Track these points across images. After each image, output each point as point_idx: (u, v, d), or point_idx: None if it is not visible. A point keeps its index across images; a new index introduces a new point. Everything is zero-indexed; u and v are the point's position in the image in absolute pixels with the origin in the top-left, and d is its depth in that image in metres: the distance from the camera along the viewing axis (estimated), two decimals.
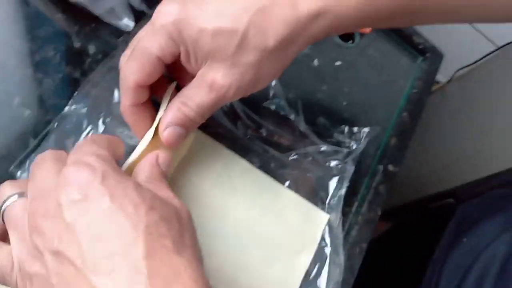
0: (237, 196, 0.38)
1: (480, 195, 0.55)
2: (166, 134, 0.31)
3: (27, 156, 0.34)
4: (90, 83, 0.38)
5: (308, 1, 0.28)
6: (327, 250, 0.38)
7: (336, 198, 0.41)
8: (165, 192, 0.27)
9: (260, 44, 0.28)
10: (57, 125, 0.35)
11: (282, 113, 0.43)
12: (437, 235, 0.55)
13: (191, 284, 0.22)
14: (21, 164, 0.33)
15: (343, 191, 0.41)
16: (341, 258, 0.37)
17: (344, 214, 0.41)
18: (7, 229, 0.25)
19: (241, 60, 0.29)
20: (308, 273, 0.37)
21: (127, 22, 0.40)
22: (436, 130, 0.84)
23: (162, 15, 0.28)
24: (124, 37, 0.40)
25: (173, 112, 0.30)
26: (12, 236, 0.25)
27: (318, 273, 0.37)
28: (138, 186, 0.25)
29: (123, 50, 0.39)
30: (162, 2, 0.29)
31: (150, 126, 0.32)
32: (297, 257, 0.37)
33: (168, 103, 0.32)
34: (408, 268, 0.62)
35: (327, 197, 0.41)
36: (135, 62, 0.29)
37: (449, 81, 1.14)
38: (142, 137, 0.31)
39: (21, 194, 0.26)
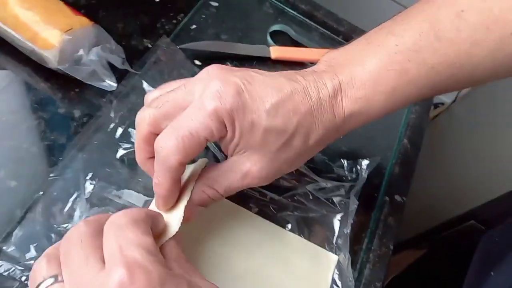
0: (239, 246, 0.36)
1: (501, 217, 0.51)
2: (187, 213, 0.31)
3: (13, 229, 0.33)
4: (76, 147, 0.37)
5: (345, 106, 0.31)
6: None
7: (343, 237, 0.38)
8: (201, 280, 0.27)
9: (301, 144, 0.31)
10: (43, 193, 0.34)
11: None
12: (463, 264, 0.52)
13: None
14: (7, 238, 0.32)
15: (348, 229, 0.38)
16: None
17: (354, 252, 0.39)
18: None
19: (281, 157, 0.31)
20: None
21: (110, 82, 0.40)
22: (446, 152, 0.82)
23: (217, 99, 0.28)
24: (107, 97, 0.40)
25: (198, 195, 0.32)
26: None
27: None
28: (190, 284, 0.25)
29: (107, 110, 0.39)
30: (213, 81, 0.29)
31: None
32: None
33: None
34: None
35: (333, 236, 0.39)
36: (181, 144, 0.28)
37: (453, 102, 1.12)
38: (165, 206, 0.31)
39: (57, 278, 0.24)
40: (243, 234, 0.36)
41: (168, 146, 0.28)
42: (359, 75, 0.31)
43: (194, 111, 0.29)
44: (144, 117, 0.31)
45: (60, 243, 0.26)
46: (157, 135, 0.30)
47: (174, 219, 0.30)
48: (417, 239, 0.78)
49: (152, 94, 0.34)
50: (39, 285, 0.24)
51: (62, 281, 0.24)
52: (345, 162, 0.43)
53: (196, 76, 0.31)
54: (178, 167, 0.29)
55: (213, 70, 0.30)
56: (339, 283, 0.36)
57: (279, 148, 0.31)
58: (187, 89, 0.30)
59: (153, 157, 0.31)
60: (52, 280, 0.24)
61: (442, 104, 1.20)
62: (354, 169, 0.43)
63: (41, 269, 0.25)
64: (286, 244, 0.37)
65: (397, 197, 0.42)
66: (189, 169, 0.34)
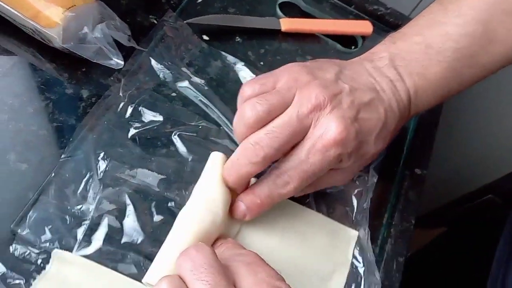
0: (256, 224, 0.35)
1: None
2: (250, 216, 0.34)
3: (26, 212, 0.32)
4: (85, 127, 0.36)
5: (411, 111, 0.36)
6: (361, 269, 0.35)
7: (362, 212, 0.37)
8: None
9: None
10: (55, 175, 0.34)
11: None
12: (484, 238, 0.50)
13: None
14: (21, 221, 0.32)
15: (368, 204, 0.37)
16: (377, 276, 0.33)
17: (375, 227, 0.37)
18: None
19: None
20: None
21: (117, 60, 0.39)
22: (464, 126, 0.80)
23: (340, 146, 0.31)
24: (115, 75, 0.39)
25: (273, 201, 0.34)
26: None
27: None
28: None
29: (115, 90, 0.38)
30: (332, 122, 0.31)
31: None
32: (329, 281, 0.34)
33: None
34: (465, 275, 0.57)
35: (353, 212, 0.38)
36: (304, 182, 0.32)
37: None
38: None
39: None
40: None
41: (293, 185, 0.32)
42: (422, 87, 0.35)
43: (318, 154, 0.31)
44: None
45: (179, 265, 0.26)
46: None
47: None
48: (434, 215, 0.77)
49: (249, 88, 0.33)
50: None
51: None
52: None
53: (299, 90, 0.32)
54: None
55: (317, 90, 0.31)
56: (360, 258, 0.35)
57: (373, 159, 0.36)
58: (299, 120, 0.31)
59: None
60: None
61: None
62: None
63: None
64: (305, 221, 0.36)
65: (417, 170, 0.41)
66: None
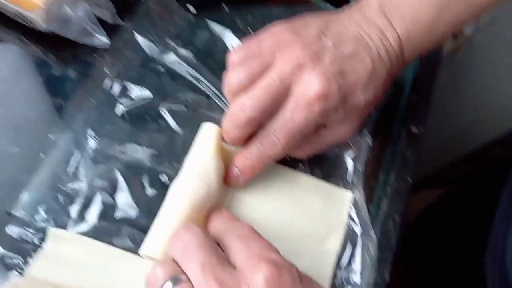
0: (248, 191, 0.35)
1: None
2: (243, 180, 0.34)
3: (20, 193, 0.32)
4: (73, 107, 0.36)
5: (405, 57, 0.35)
6: (357, 229, 0.34)
7: (357, 173, 0.37)
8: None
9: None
10: (46, 156, 0.34)
11: None
12: (493, 195, 0.50)
13: None
14: (15, 202, 0.32)
15: (363, 165, 0.37)
16: (373, 235, 0.33)
17: (371, 188, 0.37)
18: None
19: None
20: (340, 258, 0.33)
21: (102, 38, 0.38)
22: (468, 84, 0.78)
23: (323, 100, 0.30)
24: (100, 53, 0.38)
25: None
26: None
27: (352, 256, 0.33)
28: (320, 286, 0.26)
29: (101, 67, 0.37)
30: (315, 78, 0.30)
31: None
32: (324, 244, 0.33)
33: None
34: (467, 234, 0.57)
35: (347, 174, 0.37)
36: (291, 141, 0.32)
37: (474, 31, 1.06)
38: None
39: (178, 279, 0.25)
40: (252, 179, 0.35)
41: (280, 144, 0.32)
42: (414, 31, 0.34)
43: (302, 111, 0.30)
44: (240, 110, 0.31)
45: (170, 249, 0.27)
46: None
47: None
48: (439, 174, 0.76)
49: (235, 55, 0.33)
50: None
51: (187, 281, 0.24)
52: None
53: (280, 51, 0.31)
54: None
55: (297, 50, 0.31)
56: (356, 219, 0.35)
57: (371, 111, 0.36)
58: (281, 80, 0.31)
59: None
60: (171, 283, 0.24)
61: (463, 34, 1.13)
62: None
63: (157, 274, 0.25)
64: (298, 185, 0.35)
65: (414, 129, 0.40)
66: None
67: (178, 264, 0.25)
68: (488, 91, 0.72)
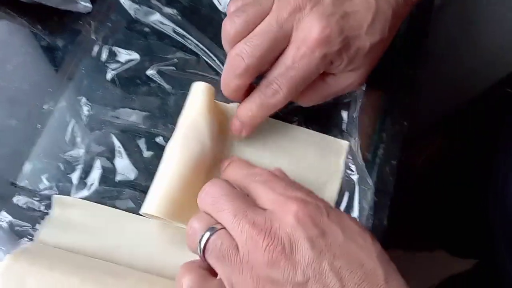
0: (242, 147, 0.35)
1: None
2: (246, 132, 0.34)
3: (22, 164, 0.33)
4: (64, 76, 0.36)
5: None
6: (354, 177, 0.35)
7: (353, 122, 0.37)
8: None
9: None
10: (42, 126, 0.34)
11: None
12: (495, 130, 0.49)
13: None
14: (18, 173, 0.33)
15: (357, 112, 0.36)
16: (370, 181, 0.33)
17: (367, 135, 0.37)
18: (212, 263, 0.26)
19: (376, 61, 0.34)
20: (338, 206, 0.34)
21: (84, 4, 0.38)
22: (475, 21, 0.75)
23: (325, 45, 0.29)
24: (85, 19, 0.38)
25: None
26: (224, 270, 0.25)
27: (350, 203, 0.34)
28: (349, 216, 0.26)
29: (88, 34, 0.37)
30: (315, 21, 0.29)
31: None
32: (322, 193, 0.34)
33: None
34: (472, 174, 0.57)
35: (342, 123, 0.37)
36: (295, 91, 0.31)
37: None
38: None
39: (211, 229, 0.26)
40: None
41: (282, 93, 0.31)
42: None
43: (303, 57, 0.30)
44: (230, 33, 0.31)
45: (201, 204, 0.27)
46: None
47: None
48: (446, 120, 0.75)
49: (233, 5, 0.32)
50: (200, 240, 0.25)
51: (223, 228, 0.25)
52: None
53: None
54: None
55: None
56: (352, 167, 0.35)
57: (379, 56, 0.33)
58: (279, 25, 0.30)
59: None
60: (208, 233, 0.25)
61: None
62: None
63: (194, 227, 0.26)
64: (293, 138, 0.36)
65: (409, 72, 0.39)
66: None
67: (211, 216, 0.26)
68: (495, 30, 0.69)
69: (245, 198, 0.26)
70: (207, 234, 0.25)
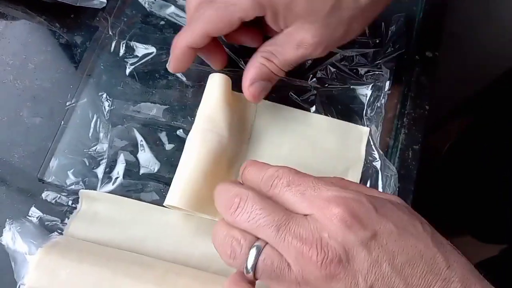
0: (262, 138, 0.35)
1: None
2: (252, 89, 0.32)
3: (48, 161, 0.34)
4: (84, 73, 0.37)
5: None
6: (377, 164, 0.34)
7: (374, 108, 0.36)
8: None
9: (353, 4, 0.29)
10: (64, 123, 0.35)
11: None
12: None
13: (478, 275, 0.23)
14: (46, 170, 0.34)
15: (382, 100, 0.36)
16: (392, 168, 0.33)
17: (389, 120, 0.36)
18: (266, 282, 0.24)
19: (333, 20, 0.30)
20: None
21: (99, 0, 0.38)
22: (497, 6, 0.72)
23: None
24: (100, 15, 0.38)
25: (258, 68, 0.32)
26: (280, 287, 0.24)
27: None
28: (391, 199, 0.25)
29: (104, 29, 0.37)
30: None
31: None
32: None
33: None
34: (497, 159, 0.55)
35: (363, 110, 0.37)
36: (215, 16, 0.30)
37: None
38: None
39: (257, 248, 0.24)
40: (265, 125, 0.35)
41: (203, 14, 0.30)
42: None
43: None
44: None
45: (236, 222, 0.25)
46: None
47: None
48: (469, 102, 0.74)
49: None
50: (246, 260, 0.24)
51: (266, 244, 0.24)
52: (366, 28, 0.39)
53: None
54: (204, 39, 0.31)
55: None
56: (374, 153, 0.35)
57: (329, 11, 0.29)
58: None
59: None
60: (255, 251, 0.24)
61: None
62: (377, 33, 0.39)
63: (234, 248, 0.24)
64: (312, 126, 0.35)
65: (428, 53, 0.38)
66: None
67: (249, 232, 0.24)
68: None
69: (280, 208, 0.24)
70: (253, 253, 0.24)
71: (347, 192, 0.24)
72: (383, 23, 0.39)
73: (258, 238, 0.24)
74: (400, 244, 0.23)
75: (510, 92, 0.63)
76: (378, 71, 0.37)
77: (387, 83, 0.37)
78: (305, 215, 0.24)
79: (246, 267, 0.24)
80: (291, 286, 0.23)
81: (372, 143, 0.35)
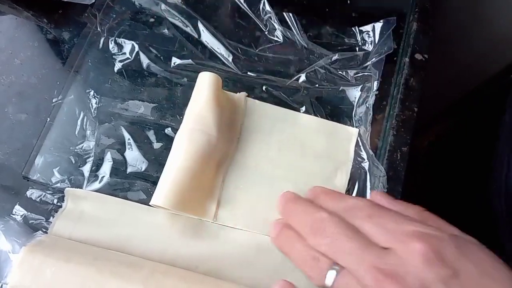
0: (250, 138, 0.35)
1: None
2: None
3: (33, 158, 0.34)
4: (71, 69, 0.36)
5: None
6: (365, 164, 0.35)
7: (363, 109, 0.36)
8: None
9: None
10: (52, 120, 0.35)
11: (277, 38, 0.38)
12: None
13: None
14: (31, 167, 0.33)
15: (371, 100, 0.36)
16: (381, 169, 0.33)
17: (378, 121, 0.36)
18: None
19: None
20: (349, 194, 0.34)
21: None
22: (486, 10, 0.73)
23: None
24: (89, 11, 0.38)
25: None
26: None
27: (361, 191, 0.34)
28: (474, 240, 0.25)
29: (92, 26, 0.37)
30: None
31: None
32: (332, 181, 0.34)
33: None
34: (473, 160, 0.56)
35: (352, 111, 0.37)
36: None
37: None
38: None
39: (336, 271, 0.24)
40: (254, 125, 0.35)
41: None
42: None
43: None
44: None
45: (316, 243, 0.25)
46: None
47: None
48: (452, 105, 0.74)
49: None
50: (325, 277, 0.24)
51: (343, 268, 0.24)
52: (356, 30, 0.39)
53: None
54: None
55: None
56: (363, 154, 0.35)
57: None
58: None
59: None
60: (334, 272, 0.24)
61: None
62: (367, 36, 0.39)
63: (312, 266, 0.25)
64: (302, 126, 0.35)
65: (418, 56, 0.38)
66: None
67: (324, 255, 0.25)
68: (504, 14, 0.68)
69: (360, 236, 0.24)
70: (332, 275, 0.24)
71: (429, 228, 0.24)
72: (373, 25, 0.39)
73: (335, 262, 0.24)
74: (480, 286, 0.22)
75: (495, 95, 0.64)
76: (367, 72, 0.37)
77: (376, 84, 0.37)
78: (385, 248, 0.24)
79: (325, 284, 0.24)
80: None
81: (360, 144, 0.35)
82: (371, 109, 0.36)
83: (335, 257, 0.24)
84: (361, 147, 0.35)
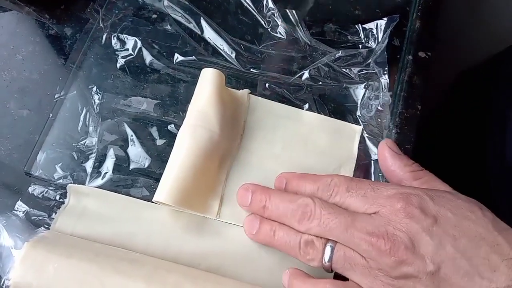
0: (256, 134, 0.35)
1: None
2: None
3: (36, 154, 0.33)
4: (74, 65, 0.36)
5: None
6: (372, 162, 0.34)
7: (366, 107, 0.36)
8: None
9: None
10: (53, 116, 0.34)
11: (280, 34, 0.38)
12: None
13: None
14: (33, 163, 0.33)
15: (377, 101, 0.36)
16: None
17: (380, 119, 0.36)
18: (344, 274, 0.27)
19: None
20: None
21: None
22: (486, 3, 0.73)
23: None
24: (91, 7, 0.38)
25: None
26: (356, 277, 0.26)
27: None
28: (448, 191, 0.27)
29: (95, 21, 0.37)
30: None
31: None
32: None
33: None
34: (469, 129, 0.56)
35: (356, 108, 0.37)
36: None
37: None
38: None
39: (330, 247, 0.27)
40: (258, 122, 0.35)
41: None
42: None
43: None
44: None
45: (307, 228, 0.28)
46: None
47: None
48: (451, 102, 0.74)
49: None
50: (323, 255, 0.27)
51: (336, 242, 0.27)
52: (359, 27, 0.39)
53: None
54: None
55: None
56: (367, 153, 0.35)
57: None
58: None
59: None
60: (329, 248, 0.27)
61: None
62: (371, 34, 0.39)
63: (308, 251, 0.27)
64: (305, 124, 0.35)
65: (421, 54, 0.38)
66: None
67: (318, 236, 0.27)
68: (504, 12, 0.68)
69: (344, 211, 0.27)
70: (328, 250, 0.27)
71: (404, 188, 0.27)
72: (377, 23, 0.39)
73: (328, 239, 0.27)
74: (460, 228, 0.24)
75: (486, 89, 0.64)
76: (371, 70, 0.37)
77: (380, 82, 0.37)
78: (369, 214, 0.26)
79: (324, 260, 0.27)
80: (364, 274, 0.26)
81: (364, 142, 0.35)
82: (375, 107, 0.36)
83: (327, 235, 0.27)
84: (366, 144, 0.35)
